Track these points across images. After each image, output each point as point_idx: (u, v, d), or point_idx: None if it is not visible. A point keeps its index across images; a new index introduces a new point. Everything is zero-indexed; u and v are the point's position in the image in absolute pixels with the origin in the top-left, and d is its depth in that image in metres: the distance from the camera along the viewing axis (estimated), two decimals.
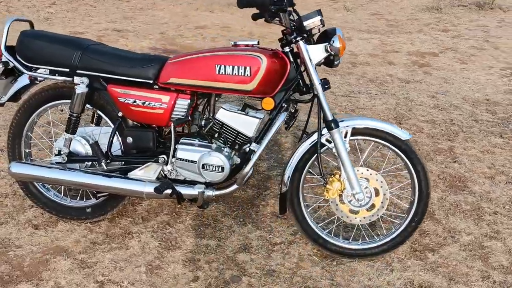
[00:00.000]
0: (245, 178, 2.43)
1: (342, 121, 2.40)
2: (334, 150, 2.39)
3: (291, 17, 2.33)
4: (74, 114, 2.48)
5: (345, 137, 2.39)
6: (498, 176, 3.42)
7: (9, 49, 2.47)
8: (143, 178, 2.49)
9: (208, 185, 2.47)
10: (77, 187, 2.57)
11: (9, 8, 7.53)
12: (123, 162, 2.54)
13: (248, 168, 2.41)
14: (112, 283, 2.34)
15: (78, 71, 2.42)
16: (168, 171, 2.46)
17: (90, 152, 2.58)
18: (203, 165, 2.39)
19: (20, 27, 2.56)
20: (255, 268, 2.47)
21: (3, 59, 2.46)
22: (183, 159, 2.42)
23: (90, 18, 7.28)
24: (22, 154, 2.67)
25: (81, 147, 2.58)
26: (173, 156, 2.44)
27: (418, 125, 4.22)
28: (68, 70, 2.43)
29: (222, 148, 2.44)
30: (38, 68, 2.47)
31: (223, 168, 2.38)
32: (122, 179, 2.47)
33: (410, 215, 2.47)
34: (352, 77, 5.61)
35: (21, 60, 2.46)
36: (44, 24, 6.75)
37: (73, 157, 2.56)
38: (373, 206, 2.45)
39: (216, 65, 2.31)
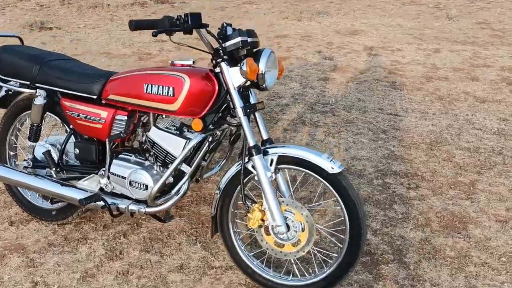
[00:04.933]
0: (175, 199, 2.40)
1: (269, 148, 2.26)
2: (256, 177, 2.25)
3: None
4: (34, 124, 2.68)
5: (270, 164, 2.23)
6: None
7: None
8: (87, 188, 2.59)
9: (139, 201, 2.48)
10: (32, 190, 2.76)
11: (113, 17, 8.27)
12: (73, 172, 2.67)
13: (176, 189, 2.39)
14: (45, 285, 2.48)
15: (37, 84, 2.61)
16: (104, 184, 2.53)
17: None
18: (130, 182, 2.42)
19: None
20: None
21: None
22: (115, 174, 2.47)
23: None
24: (7, 156, 2.94)
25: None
26: (109, 170, 2.50)
27: (451, 152, 3.76)
28: (28, 83, 2.63)
29: (153, 167, 2.44)
30: (11, 80, 2.71)
31: (147, 187, 2.38)
32: (63, 187, 2.58)
33: (341, 257, 2.23)
34: (419, 93, 5.17)
35: None
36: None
37: (37, 163, 2.76)
38: (299, 241, 2.26)
39: (145, 84, 2.32)
